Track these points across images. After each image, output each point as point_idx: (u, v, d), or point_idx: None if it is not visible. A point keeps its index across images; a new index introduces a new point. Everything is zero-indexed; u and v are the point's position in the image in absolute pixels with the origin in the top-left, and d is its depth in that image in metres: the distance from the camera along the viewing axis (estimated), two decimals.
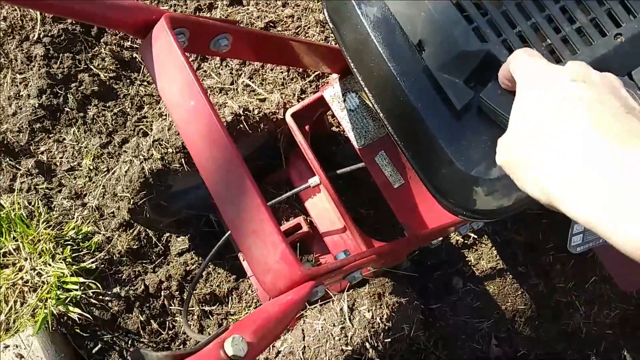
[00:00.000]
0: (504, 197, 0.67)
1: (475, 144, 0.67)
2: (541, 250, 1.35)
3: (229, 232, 1.03)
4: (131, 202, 1.11)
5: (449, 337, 1.32)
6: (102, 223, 1.37)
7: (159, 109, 1.45)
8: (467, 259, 1.36)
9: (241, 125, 1.09)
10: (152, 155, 1.09)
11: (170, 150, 1.09)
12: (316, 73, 1.41)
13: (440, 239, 1.04)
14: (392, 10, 0.70)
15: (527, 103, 0.51)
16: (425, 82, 0.68)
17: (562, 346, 1.31)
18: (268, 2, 1.49)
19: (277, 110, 1.19)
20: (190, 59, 1.17)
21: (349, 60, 0.75)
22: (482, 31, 0.66)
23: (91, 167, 1.41)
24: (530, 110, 0.49)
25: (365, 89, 0.74)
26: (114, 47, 1.48)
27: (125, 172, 1.11)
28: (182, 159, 1.10)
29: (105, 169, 1.40)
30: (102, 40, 1.49)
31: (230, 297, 1.32)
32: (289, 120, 1.07)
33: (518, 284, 1.34)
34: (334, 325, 0.99)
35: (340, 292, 1.02)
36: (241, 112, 1.09)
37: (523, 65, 0.55)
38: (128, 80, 1.48)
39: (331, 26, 0.77)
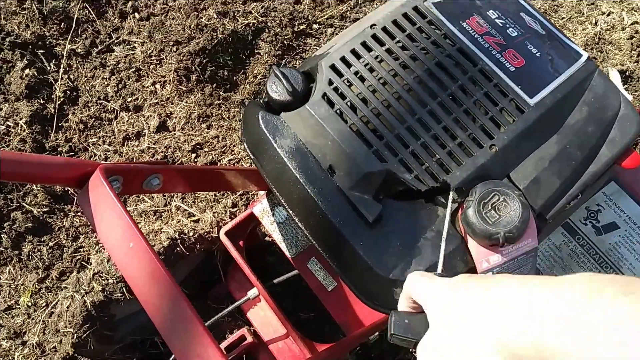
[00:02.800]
0: None
1: (389, 250, 0.75)
2: None
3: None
4: (75, 337, 1.12)
5: None
6: None
7: (95, 237, 1.48)
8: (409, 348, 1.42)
9: (178, 249, 1.14)
10: (93, 288, 1.12)
11: (110, 281, 1.13)
12: None
13: (377, 333, 1.11)
14: (303, 141, 0.80)
15: (441, 328, 0.55)
16: (339, 200, 0.77)
17: None
18: (193, 125, 1.59)
19: (212, 229, 1.26)
20: None
21: (271, 186, 0.84)
22: (380, 153, 0.76)
23: (29, 304, 1.41)
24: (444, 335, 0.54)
25: (289, 209, 0.82)
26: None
27: (67, 307, 1.13)
28: (124, 288, 1.13)
29: (44, 304, 1.40)
30: None
31: None
32: (223, 238, 1.14)
33: None
34: None
35: None
36: (177, 236, 1.15)
37: (422, 289, 0.60)
38: (62, 213, 1.52)
39: (252, 158, 0.86)
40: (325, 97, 0.81)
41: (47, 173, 0.73)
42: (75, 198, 1.53)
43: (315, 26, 1.79)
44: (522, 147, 0.78)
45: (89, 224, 1.50)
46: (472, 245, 0.74)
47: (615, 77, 1.74)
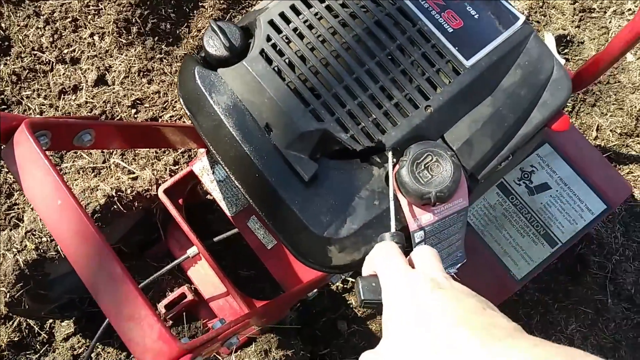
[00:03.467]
0: (355, 252, 0.76)
1: (324, 208, 0.76)
2: None
3: None
4: (7, 296, 1.10)
5: None
6: None
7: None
8: (348, 302, 1.46)
9: (115, 207, 1.12)
10: (25, 246, 1.09)
11: (44, 239, 1.10)
12: None
13: (316, 290, 1.13)
14: (240, 98, 0.79)
15: (396, 317, 0.54)
16: (275, 159, 0.77)
17: None
18: (133, 80, 1.54)
19: (150, 187, 1.24)
20: None
21: (208, 143, 0.82)
22: (317, 112, 0.76)
23: None
24: (401, 326, 0.53)
25: (225, 167, 0.81)
26: None
27: None
28: (58, 247, 1.10)
29: None
30: None
31: None
32: (162, 196, 1.12)
33: None
34: None
35: (229, 354, 1.07)
36: (114, 194, 1.12)
37: (385, 272, 0.59)
38: None
39: (188, 114, 0.84)
40: (263, 54, 0.80)
41: None
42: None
43: None
44: (456, 109, 0.79)
45: None
46: (405, 204, 0.75)
47: (550, 41, 1.78)
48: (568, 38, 1.80)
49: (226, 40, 0.80)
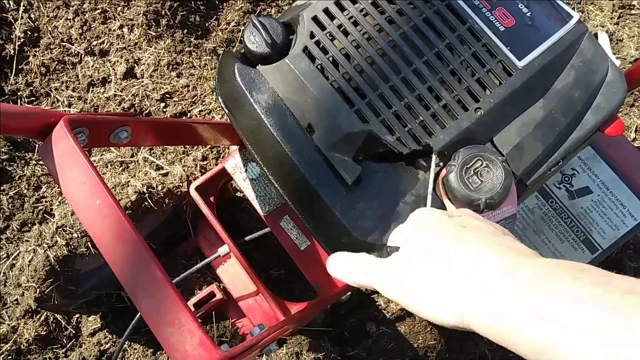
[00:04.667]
0: None
1: (367, 213, 0.73)
2: None
3: None
4: (37, 292, 1.09)
5: None
6: (6, 312, 1.31)
7: (58, 188, 1.42)
8: (377, 303, 1.43)
9: (146, 203, 1.10)
10: (56, 242, 1.08)
11: (75, 235, 1.09)
12: None
13: (349, 293, 1.10)
14: (281, 97, 0.76)
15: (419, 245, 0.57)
16: (317, 160, 0.74)
17: None
18: (162, 73, 1.52)
19: (181, 184, 1.22)
20: None
21: (247, 143, 0.80)
22: (362, 113, 0.73)
23: None
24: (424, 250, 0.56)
25: (264, 168, 0.79)
26: None
27: (29, 261, 1.09)
28: (89, 243, 1.09)
29: (4, 255, 1.35)
30: None
31: None
32: (194, 193, 1.10)
33: (426, 322, 1.42)
34: None
35: (260, 356, 1.05)
36: (145, 190, 1.11)
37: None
38: (22, 161, 1.45)
39: (226, 112, 0.82)
40: (306, 51, 0.77)
41: (6, 123, 0.68)
42: (37, 148, 1.46)
43: None
44: (507, 111, 0.76)
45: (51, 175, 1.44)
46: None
47: (604, 41, 1.73)
48: (607, 35, 1.75)
49: (268, 36, 0.78)
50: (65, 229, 1.09)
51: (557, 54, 0.78)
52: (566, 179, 1.20)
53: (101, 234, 0.67)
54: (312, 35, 0.77)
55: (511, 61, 0.76)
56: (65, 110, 1.50)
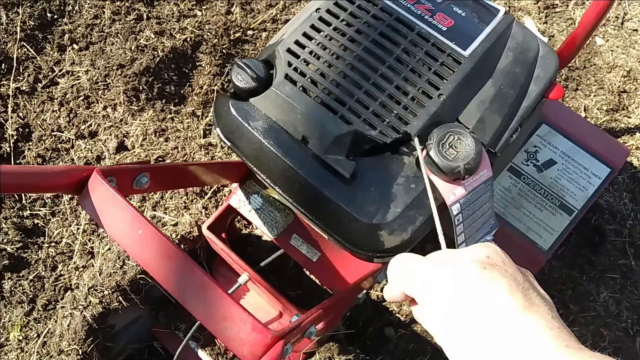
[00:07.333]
0: (403, 232, 0.85)
1: (368, 199, 0.85)
2: None
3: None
4: (80, 353, 1.16)
5: None
6: None
7: (73, 263, 1.51)
8: (390, 309, 1.53)
9: None
10: (90, 302, 1.17)
11: (106, 292, 1.18)
12: (212, 190, 1.57)
13: (365, 292, 1.20)
14: (274, 120, 0.89)
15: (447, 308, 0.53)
16: (316, 165, 0.86)
17: None
18: (151, 141, 1.64)
19: (192, 229, 1.32)
20: None
21: (252, 167, 0.92)
22: (346, 117, 0.86)
23: (20, 338, 1.43)
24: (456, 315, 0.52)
25: (272, 185, 0.91)
26: (14, 219, 1.54)
27: (68, 325, 1.16)
28: (120, 297, 1.18)
29: (35, 335, 1.42)
30: (0, 217, 1.54)
31: None
32: (206, 232, 1.20)
33: None
34: None
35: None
36: None
37: (412, 274, 0.59)
38: (35, 246, 1.54)
39: (228, 144, 0.94)
40: (288, 77, 0.90)
41: (47, 182, 0.79)
42: (47, 229, 1.55)
43: (249, 32, 1.88)
44: (464, 93, 0.90)
45: (65, 251, 1.53)
46: (438, 182, 0.85)
47: (530, 25, 1.93)
48: (539, 34, 1.94)
49: (253, 72, 0.91)
50: (96, 288, 1.18)
51: (494, 40, 0.94)
52: (531, 156, 1.34)
53: (148, 258, 0.77)
54: (289, 64, 0.91)
55: (458, 52, 0.91)
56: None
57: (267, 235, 1.21)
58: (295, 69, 0.91)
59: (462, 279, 0.53)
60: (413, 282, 0.58)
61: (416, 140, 0.86)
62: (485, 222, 0.93)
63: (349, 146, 0.86)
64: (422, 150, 0.86)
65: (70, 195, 1.59)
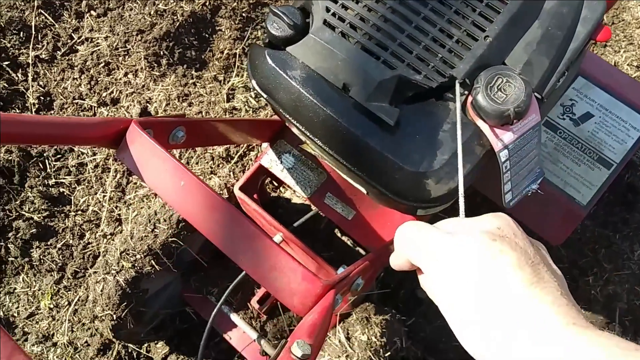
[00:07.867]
0: (450, 180, 0.82)
1: (413, 147, 0.82)
2: None
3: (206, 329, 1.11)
4: (114, 318, 1.15)
5: (433, 344, 1.44)
6: (79, 356, 1.37)
7: (101, 231, 1.50)
8: None
9: None
10: (122, 266, 1.15)
11: (138, 256, 1.16)
12: (238, 154, 1.54)
13: None
14: (313, 68, 0.86)
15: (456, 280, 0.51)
16: (358, 113, 0.83)
17: None
18: (175, 106, 1.62)
19: (221, 192, 1.30)
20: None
21: (290, 118, 0.89)
22: (389, 62, 0.83)
23: (51, 306, 1.42)
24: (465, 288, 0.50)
25: (311, 137, 0.88)
26: (40, 187, 1.53)
27: (101, 290, 1.15)
28: (152, 261, 1.16)
29: (66, 303, 1.42)
30: (26, 185, 1.53)
31: None
32: (238, 193, 1.18)
33: None
34: (339, 356, 1.08)
35: (333, 327, 1.12)
36: None
37: (418, 243, 0.56)
38: (62, 214, 1.53)
39: (264, 96, 0.91)
40: (326, 23, 0.87)
41: (86, 133, 0.77)
42: (72, 198, 1.54)
43: None
44: (511, 34, 0.86)
45: (92, 218, 1.52)
46: (485, 128, 0.81)
47: None
48: None
49: (289, 19, 0.88)
50: (128, 252, 1.16)
51: None
52: (567, 109, 1.30)
53: (192, 210, 0.75)
54: (327, 9, 0.87)
55: None
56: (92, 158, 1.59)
57: (301, 195, 1.18)
58: (334, 14, 0.87)
59: (469, 251, 0.51)
60: (419, 251, 0.56)
61: (457, 85, 0.82)
62: (532, 170, 0.90)
63: (392, 92, 0.83)
64: (462, 96, 0.82)
65: (94, 164, 1.57)
